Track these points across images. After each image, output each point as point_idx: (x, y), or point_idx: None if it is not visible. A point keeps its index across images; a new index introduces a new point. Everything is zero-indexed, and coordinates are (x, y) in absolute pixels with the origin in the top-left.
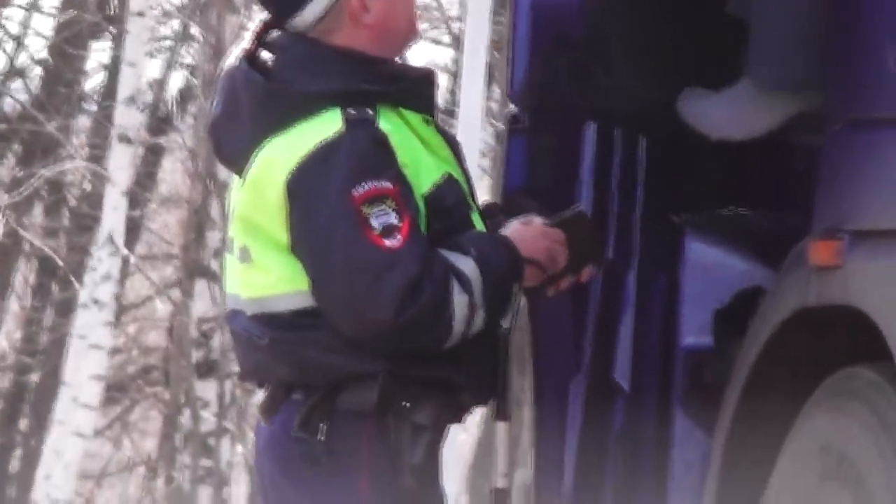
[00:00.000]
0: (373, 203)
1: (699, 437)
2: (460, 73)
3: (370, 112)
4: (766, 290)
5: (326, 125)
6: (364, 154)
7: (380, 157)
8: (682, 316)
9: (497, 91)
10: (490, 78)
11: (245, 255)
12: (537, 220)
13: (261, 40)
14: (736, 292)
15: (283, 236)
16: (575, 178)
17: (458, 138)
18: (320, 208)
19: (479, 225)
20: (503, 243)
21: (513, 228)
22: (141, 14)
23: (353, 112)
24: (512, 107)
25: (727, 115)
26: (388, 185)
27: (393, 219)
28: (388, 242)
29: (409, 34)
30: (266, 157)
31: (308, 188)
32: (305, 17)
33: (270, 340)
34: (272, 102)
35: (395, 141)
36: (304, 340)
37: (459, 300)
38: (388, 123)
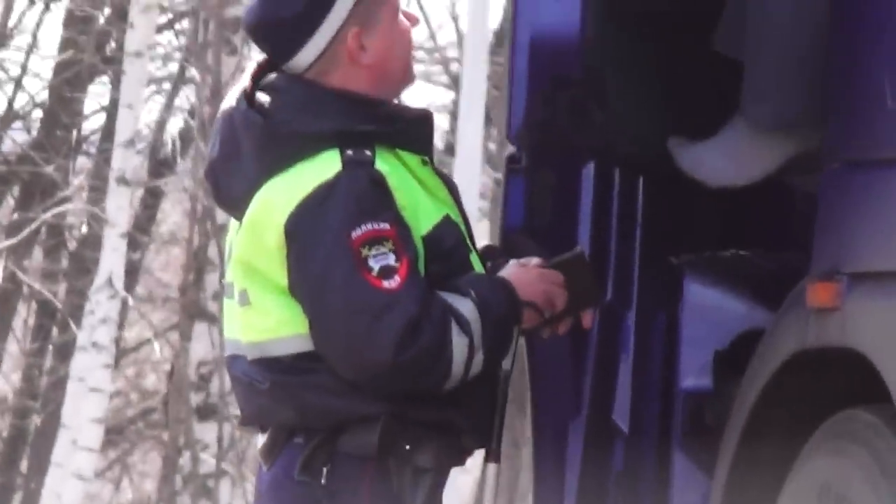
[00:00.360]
0: (371, 245)
1: (699, 478)
2: (458, 114)
3: (368, 153)
4: (765, 332)
5: (325, 166)
6: (362, 195)
7: (378, 198)
8: (682, 357)
9: (495, 132)
10: (488, 119)
11: (244, 299)
12: (535, 262)
13: (257, 81)
14: (735, 334)
15: (281, 279)
16: (574, 217)
17: (456, 180)
18: (318, 250)
19: (478, 267)
20: (502, 286)
21: (511, 271)
22: (138, 54)
23: (350, 153)
24: (511, 147)
25: (723, 161)
26: (386, 226)
27: (391, 260)
28: (386, 284)
29: (406, 75)
30: (264, 198)
31: (306, 230)
32: (303, 57)
33: (271, 384)
34: (271, 143)
35: (392, 182)
36: (305, 384)
37: (458, 342)
38: (386, 164)
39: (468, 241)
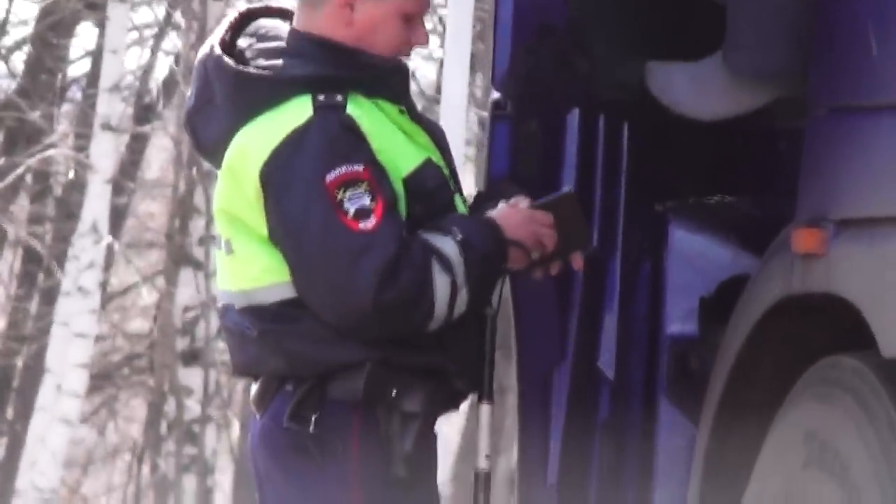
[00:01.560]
0: (346, 187)
1: (684, 424)
2: (444, 60)
3: (339, 98)
4: (750, 278)
5: (296, 112)
6: (334, 139)
7: (350, 141)
8: (667, 304)
9: (480, 78)
10: (473, 65)
11: (228, 248)
12: (524, 203)
13: (238, 31)
14: (720, 280)
15: (262, 227)
16: (559, 165)
17: (442, 125)
18: (293, 196)
19: (462, 208)
20: (486, 224)
21: (498, 210)
22: (122, 0)
23: (322, 98)
24: (495, 93)
25: (694, 92)
26: (359, 168)
27: (367, 201)
28: (362, 225)
29: (388, 56)
30: (239, 145)
31: (280, 177)
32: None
33: (260, 333)
34: (243, 89)
35: (366, 126)
36: (292, 332)
37: (441, 280)
38: (360, 109)
39: (451, 184)
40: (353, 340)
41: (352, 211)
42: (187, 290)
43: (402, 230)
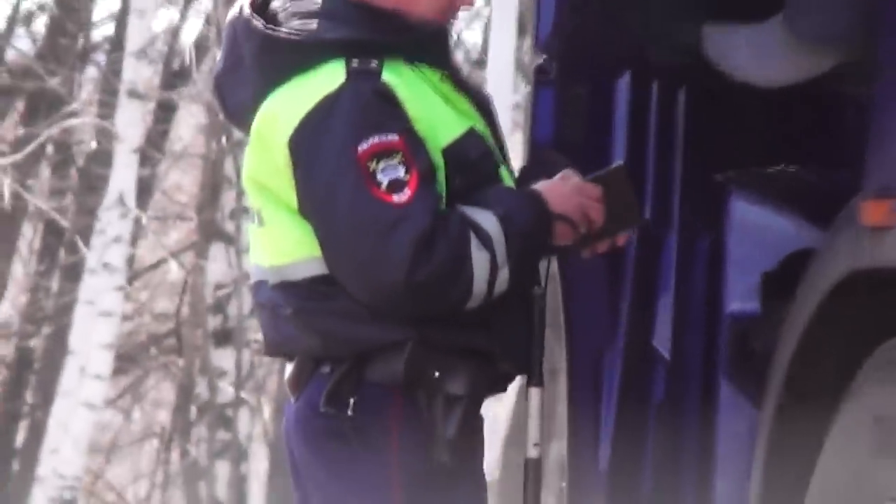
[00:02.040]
0: (379, 158)
1: (745, 408)
2: (489, 23)
3: (374, 64)
4: (815, 253)
5: (328, 77)
6: (367, 107)
7: (384, 109)
8: (727, 280)
9: (528, 40)
10: (521, 27)
11: (259, 220)
12: (573, 177)
13: None
14: (784, 254)
15: (291, 198)
16: (608, 132)
17: (489, 91)
18: (323, 167)
19: (508, 181)
20: (530, 197)
21: (544, 183)
22: None
23: (356, 64)
24: (540, 56)
25: (752, 56)
26: (394, 137)
27: (401, 173)
28: (395, 198)
29: (432, 16)
30: (268, 112)
31: (310, 147)
32: None
33: (294, 311)
34: (272, 52)
35: (403, 93)
36: (327, 310)
37: (479, 257)
38: (397, 76)
39: (498, 154)
40: (392, 319)
41: (385, 183)
42: (219, 266)
43: (438, 203)
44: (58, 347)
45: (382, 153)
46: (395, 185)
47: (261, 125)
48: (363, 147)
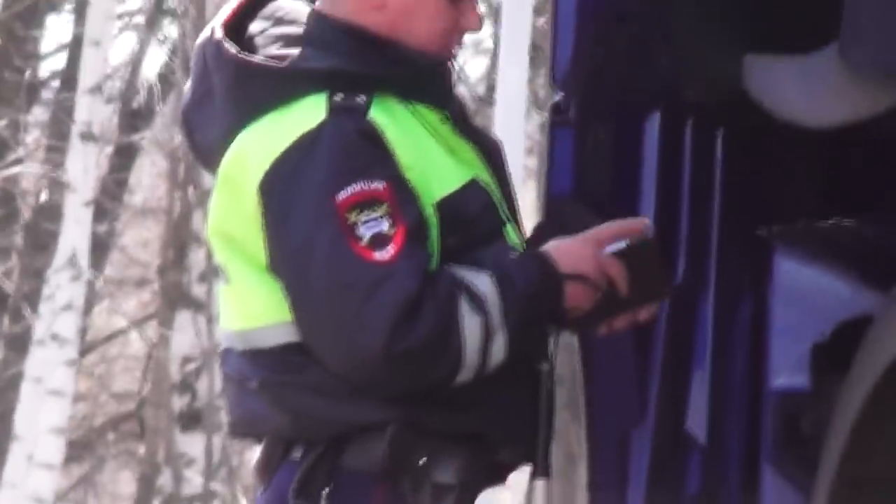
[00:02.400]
0: (360, 209)
1: (794, 499)
2: (499, 53)
3: (361, 99)
4: (874, 320)
5: (308, 113)
6: (349, 149)
7: (369, 152)
8: (772, 351)
9: (543, 74)
10: (534, 59)
11: (226, 277)
12: (594, 239)
13: (251, 11)
14: (837, 322)
15: (260, 253)
16: (635, 179)
17: (496, 131)
18: (298, 217)
19: (515, 240)
20: (535, 257)
21: (556, 241)
22: None
23: (339, 98)
24: (557, 93)
25: (802, 93)
26: (378, 186)
27: (385, 227)
28: (377, 255)
29: (428, 49)
30: (237, 151)
31: (284, 192)
32: None
33: (261, 383)
34: (246, 83)
35: (391, 135)
36: (298, 383)
37: (470, 322)
38: (387, 115)
39: (503, 210)
40: (373, 397)
41: (366, 237)
42: (185, 336)
43: (426, 263)
44: (2, 432)
45: (365, 203)
46: (378, 241)
47: (229, 166)
48: (343, 195)
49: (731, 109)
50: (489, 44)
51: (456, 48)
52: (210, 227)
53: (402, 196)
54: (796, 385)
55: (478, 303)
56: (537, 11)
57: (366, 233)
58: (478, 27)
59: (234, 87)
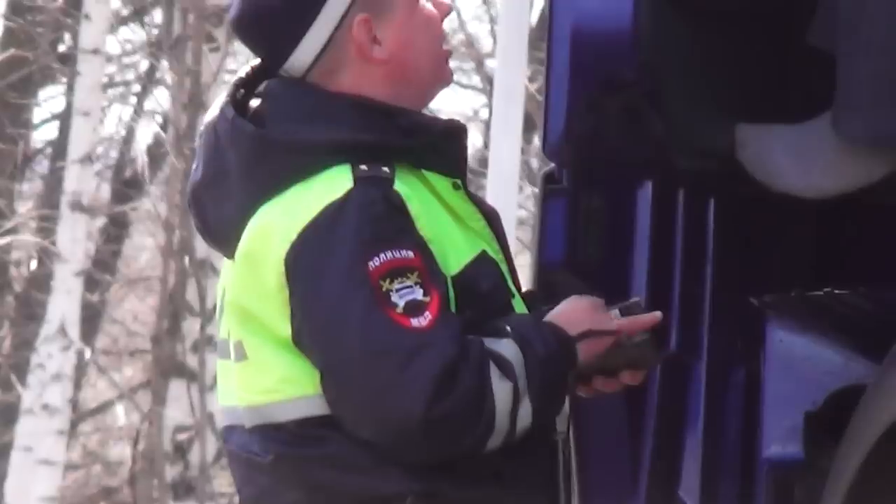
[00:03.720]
0: (393, 277)
1: None
2: (492, 124)
3: (386, 170)
4: (867, 389)
5: (333, 184)
6: (379, 218)
7: (397, 221)
8: (765, 420)
9: (537, 144)
10: (528, 130)
11: (240, 353)
12: (582, 298)
13: (248, 89)
14: (829, 392)
15: (282, 327)
16: (627, 249)
17: (489, 202)
18: (329, 287)
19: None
20: (545, 323)
21: (556, 309)
22: (96, 51)
23: (364, 168)
24: (548, 163)
25: (794, 162)
26: (409, 254)
27: (418, 295)
28: (414, 322)
29: (437, 75)
30: (259, 226)
31: (312, 263)
32: (301, 56)
33: (275, 458)
34: (266, 157)
35: (415, 209)
36: (314, 457)
37: (500, 387)
38: (408, 187)
39: (510, 283)
40: (393, 468)
41: (401, 305)
42: (178, 407)
43: (459, 329)
44: None
45: (397, 271)
46: (413, 308)
47: (250, 242)
48: (375, 263)
49: (723, 178)
50: (484, 114)
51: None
52: (228, 302)
53: (430, 265)
54: (789, 454)
55: (505, 369)
56: (530, 80)
57: (400, 301)
58: (447, 8)
59: (253, 163)
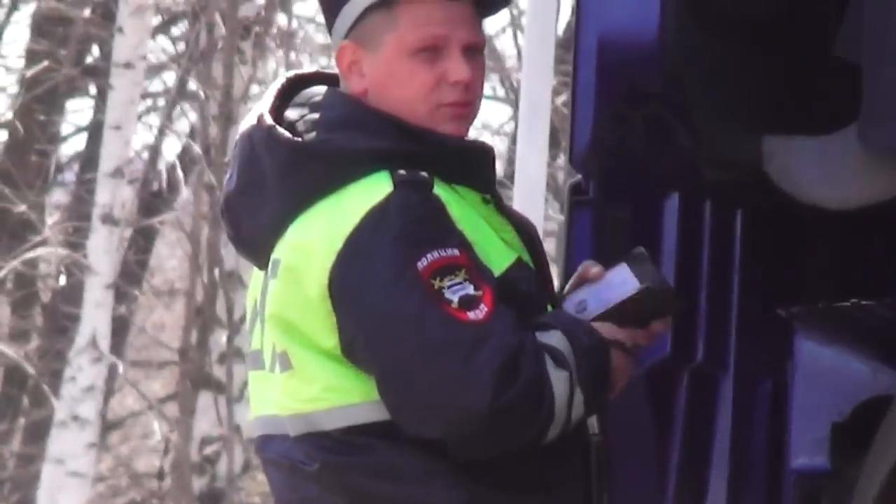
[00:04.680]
0: (442, 275)
1: None
2: (518, 137)
3: (424, 174)
4: (893, 400)
5: (372, 189)
6: (421, 219)
7: (439, 221)
8: (792, 431)
9: (563, 158)
10: (554, 143)
11: (285, 363)
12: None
13: (286, 100)
14: (857, 402)
15: (326, 338)
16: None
17: None
18: (379, 290)
19: None
20: (582, 323)
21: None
22: (128, 66)
23: (403, 173)
24: (575, 174)
25: (821, 174)
26: (455, 252)
27: (470, 290)
28: (471, 315)
29: (429, 119)
30: (299, 239)
31: (360, 272)
32: (335, 37)
33: (322, 466)
34: (303, 166)
35: (455, 213)
36: (359, 466)
37: (557, 377)
38: (444, 193)
39: (544, 291)
40: (439, 478)
41: (455, 300)
42: (206, 418)
43: (517, 320)
44: None
45: (446, 269)
46: (468, 302)
47: (291, 255)
48: (423, 263)
49: (750, 189)
50: (510, 126)
51: (460, 107)
52: (270, 314)
53: (476, 262)
54: (816, 464)
55: (558, 358)
56: (556, 92)
57: (453, 297)
58: (462, 74)
59: (290, 172)
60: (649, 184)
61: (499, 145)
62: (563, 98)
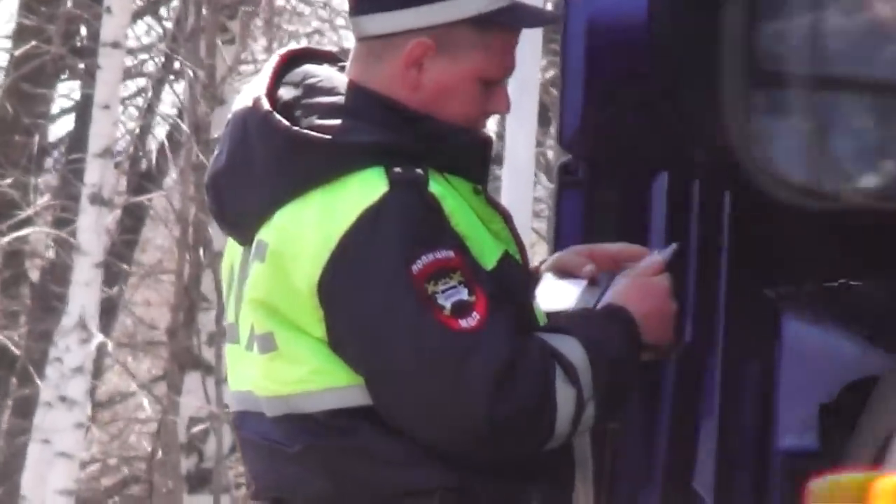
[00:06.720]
0: (437, 279)
1: None
2: (506, 116)
3: (419, 171)
4: (880, 380)
5: (367, 187)
6: (416, 220)
7: (434, 223)
8: (779, 412)
9: (553, 137)
10: (544, 121)
11: (268, 344)
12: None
13: (280, 78)
14: (844, 383)
15: (313, 328)
16: (642, 241)
17: (505, 196)
18: (372, 293)
19: (540, 316)
20: (614, 317)
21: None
22: (116, 45)
23: (398, 171)
24: (564, 154)
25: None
26: (450, 254)
27: (464, 295)
28: (463, 323)
29: (464, 122)
30: (289, 227)
31: (353, 270)
32: (369, 26)
33: (303, 448)
34: (299, 156)
35: (449, 207)
36: (343, 449)
37: (564, 392)
38: (442, 188)
39: (530, 281)
40: (424, 462)
41: (448, 307)
42: (194, 398)
43: (513, 328)
44: (8, 494)
45: (440, 272)
46: (461, 309)
47: (280, 241)
48: (417, 267)
49: (738, 171)
50: None
51: (482, 127)
52: (253, 298)
53: (471, 263)
54: (804, 445)
55: (570, 373)
56: (545, 70)
57: (446, 302)
58: (506, 110)
59: (283, 160)
60: (638, 165)
61: (489, 124)
62: (550, 76)
